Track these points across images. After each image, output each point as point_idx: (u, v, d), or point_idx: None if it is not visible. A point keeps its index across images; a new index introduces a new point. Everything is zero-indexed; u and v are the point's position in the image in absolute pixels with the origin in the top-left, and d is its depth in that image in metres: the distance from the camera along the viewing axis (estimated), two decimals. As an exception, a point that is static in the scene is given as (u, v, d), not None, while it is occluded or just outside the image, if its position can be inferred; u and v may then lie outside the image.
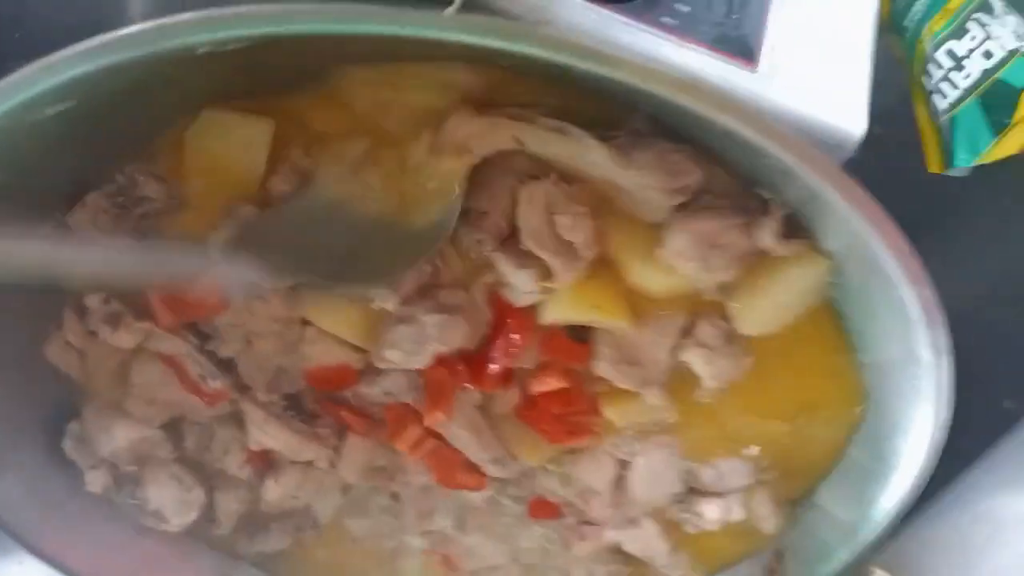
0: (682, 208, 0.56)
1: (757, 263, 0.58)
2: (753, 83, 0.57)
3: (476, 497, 0.72)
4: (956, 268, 0.72)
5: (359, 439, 0.68)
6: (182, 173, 0.58)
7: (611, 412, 0.65)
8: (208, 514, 0.70)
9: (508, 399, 0.65)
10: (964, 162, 0.64)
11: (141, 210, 0.58)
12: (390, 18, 0.44)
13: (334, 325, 0.61)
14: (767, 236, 0.55)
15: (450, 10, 0.47)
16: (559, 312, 0.60)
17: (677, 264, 0.57)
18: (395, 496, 0.73)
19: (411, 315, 0.59)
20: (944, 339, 0.54)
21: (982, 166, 0.63)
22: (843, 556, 0.67)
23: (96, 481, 0.67)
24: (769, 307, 0.59)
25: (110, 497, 0.68)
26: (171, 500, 0.67)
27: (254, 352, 0.62)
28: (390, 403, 0.65)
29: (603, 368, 0.61)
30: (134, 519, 0.69)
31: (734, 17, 0.58)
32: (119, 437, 0.65)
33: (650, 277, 0.58)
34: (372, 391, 0.63)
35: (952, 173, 0.66)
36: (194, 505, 0.68)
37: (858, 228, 0.50)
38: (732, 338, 0.61)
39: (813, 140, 0.57)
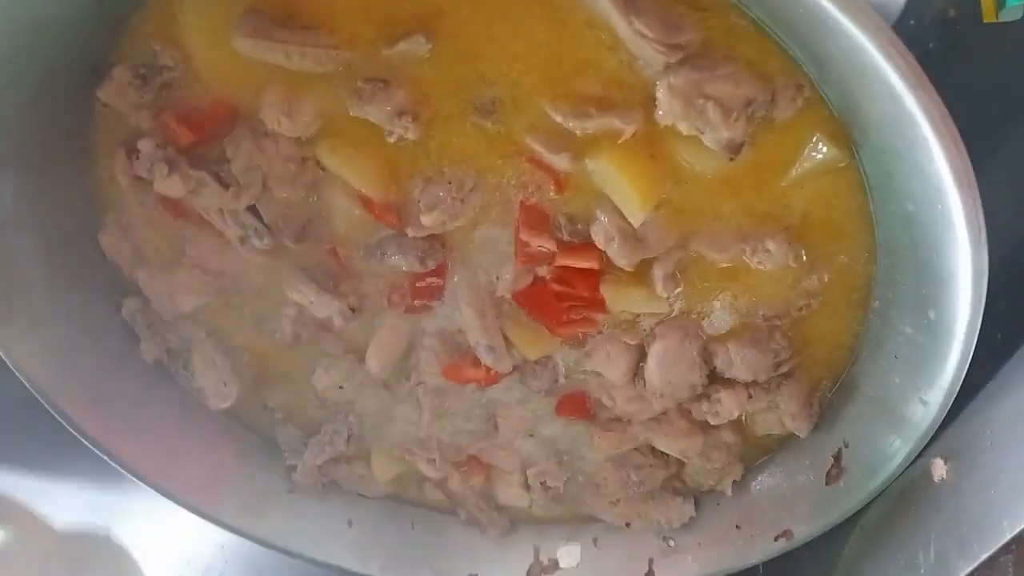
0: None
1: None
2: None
3: (503, 394, 0.71)
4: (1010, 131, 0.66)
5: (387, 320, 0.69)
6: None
7: (610, 296, 0.63)
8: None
9: (518, 279, 0.64)
10: (1016, -1, 0.58)
11: (161, 79, 0.60)
12: None
13: (346, 167, 0.61)
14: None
15: None
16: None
17: (673, 122, 0.54)
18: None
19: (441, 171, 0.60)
20: (970, 170, 0.48)
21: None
22: (904, 450, 0.62)
23: (149, 351, 0.72)
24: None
25: (162, 366, 0.74)
26: (212, 382, 0.72)
27: (274, 199, 0.63)
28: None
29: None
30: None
31: None
32: (183, 303, 0.69)
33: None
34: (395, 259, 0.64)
35: (1004, 18, 0.60)
36: (230, 394, 0.72)
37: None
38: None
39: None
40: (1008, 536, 0.52)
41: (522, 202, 0.61)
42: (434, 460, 0.76)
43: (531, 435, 0.74)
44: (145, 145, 0.61)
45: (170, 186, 0.61)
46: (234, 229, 0.64)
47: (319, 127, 0.60)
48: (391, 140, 0.58)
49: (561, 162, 0.58)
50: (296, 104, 0.58)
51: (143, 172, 0.61)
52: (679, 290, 0.62)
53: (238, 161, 0.61)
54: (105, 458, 0.74)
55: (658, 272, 0.61)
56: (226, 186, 0.62)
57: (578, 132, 0.57)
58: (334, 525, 0.83)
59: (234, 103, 0.61)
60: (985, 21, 0.62)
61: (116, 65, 0.60)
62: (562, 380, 0.70)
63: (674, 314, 0.64)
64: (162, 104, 0.61)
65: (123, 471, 0.76)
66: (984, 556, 0.53)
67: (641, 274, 0.61)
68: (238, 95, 0.60)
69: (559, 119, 0.57)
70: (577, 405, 0.71)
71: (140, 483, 0.77)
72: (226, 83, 0.60)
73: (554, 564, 0.82)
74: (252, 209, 0.64)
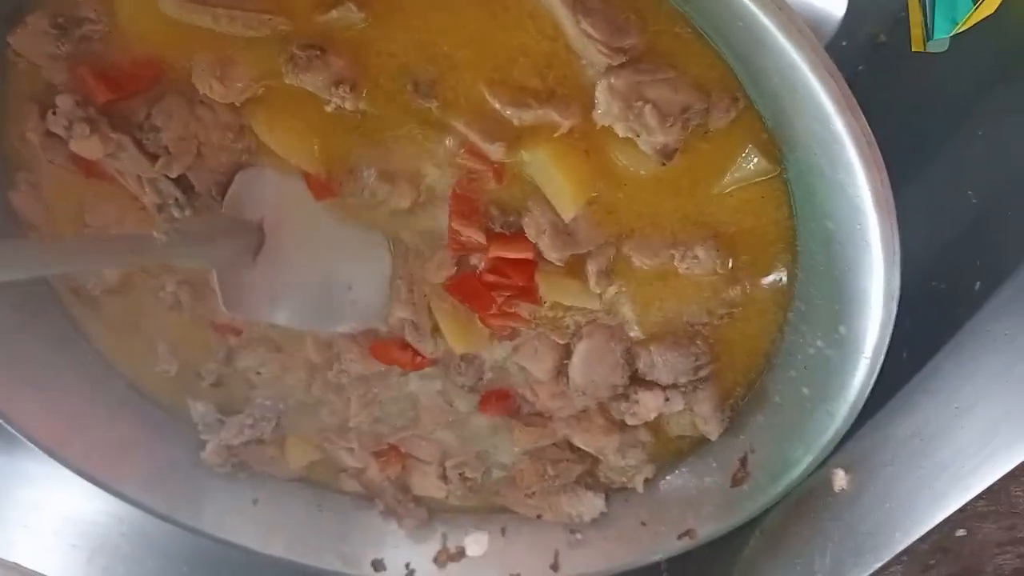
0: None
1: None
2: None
3: (426, 386, 0.71)
4: (928, 157, 0.68)
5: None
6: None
7: (544, 286, 0.63)
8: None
9: (452, 267, 0.64)
10: (943, 32, 0.60)
11: (81, 31, 0.57)
12: None
13: (281, 141, 0.59)
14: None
15: None
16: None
17: (610, 122, 0.54)
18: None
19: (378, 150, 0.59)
20: (889, 194, 0.50)
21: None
22: (807, 458, 0.64)
23: None
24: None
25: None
26: None
27: (206, 164, 0.61)
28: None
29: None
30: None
31: None
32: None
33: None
34: None
35: (931, 49, 0.62)
36: None
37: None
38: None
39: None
40: (900, 547, 0.54)
41: (454, 191, 0.61)
42: (352, 449, 0.75)
43: (452, 427, 0.74)
44: (64, 102, 0.58)
45: (88, 147, 0.58)
46: (151, 196, 0.61)
47: (253, 94, 0.58)
48: (329, 109, 0.57)
49: (496, 152, 0.58)
50: (229, 69, 0.56)
51: (59, 129, 0.58)
52: (612, 287, 0.62)
53: (171, 130, 0.59)
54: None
55: (592, 268, 0.61)
56: (146, 151, 0.59)
57: (516, 121, 0.57)
58: (239, 503, 0.81)
59: (159, 63, 0.58)
60: (913, 50, 0.64)
61: (32, 11, 0.57)
62: (487, 376, 0.70)
63: (605, 312, 0.64)
64: (80, 57, 0.58)
65: (20, 436, 0.72)
66: (877, 565, 0.55)
67: (575, 268, 0.62)
68: (164, 55, 0.58)
69: (497, 106, 0.56)
70: (501, 400, 0.71)
71: (34, 449, 0.74)
72: (152, 42, 0.57)
73: (461, 552, 0.82)
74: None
